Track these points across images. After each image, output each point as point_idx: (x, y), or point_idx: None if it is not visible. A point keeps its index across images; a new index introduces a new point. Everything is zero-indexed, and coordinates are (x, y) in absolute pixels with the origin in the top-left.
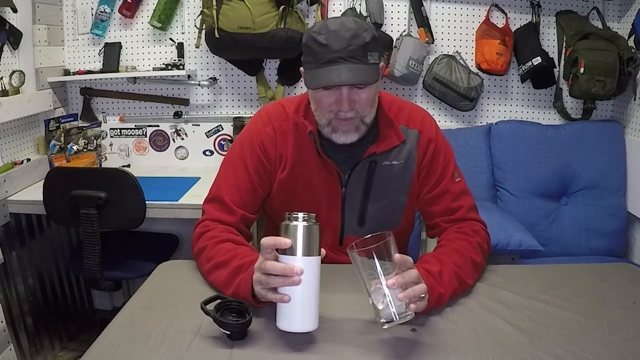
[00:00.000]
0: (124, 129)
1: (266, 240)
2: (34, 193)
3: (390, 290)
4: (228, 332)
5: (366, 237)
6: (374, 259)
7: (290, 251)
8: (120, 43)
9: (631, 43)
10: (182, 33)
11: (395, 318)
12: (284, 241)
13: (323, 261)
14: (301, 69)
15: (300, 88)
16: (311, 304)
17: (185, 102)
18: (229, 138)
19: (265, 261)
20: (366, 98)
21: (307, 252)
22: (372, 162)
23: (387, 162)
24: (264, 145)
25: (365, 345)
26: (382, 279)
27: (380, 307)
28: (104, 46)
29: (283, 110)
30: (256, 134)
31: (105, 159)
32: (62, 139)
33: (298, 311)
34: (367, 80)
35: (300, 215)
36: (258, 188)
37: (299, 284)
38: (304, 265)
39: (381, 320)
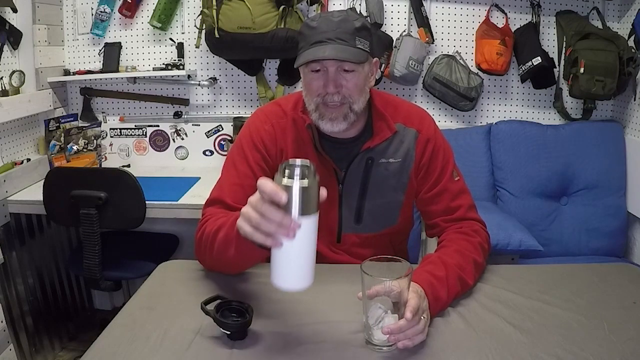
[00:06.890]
0: (124, 129)
1: (265, 186)
2: (34, 193)
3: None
4: (228, 332)
5: (383, 257)
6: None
7: (285, 208)
8: (120, 43)
9: (631, 43)
10: (182, 33)
11: (375, 344)
12: (279, 197)
13: (319, 261)
14: None
15: (301, 88)
16: (306, 262)
17: (185, 102)
18: (229, 138)
19: (261, 202)
20: (354, 84)
21: (304, 212)
22: (369, 159)
23: (384, 159)
24: (264, 142)
25: (364, 346)
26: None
27: (370, 322)
28: (104, 46)
29: (280, 108)
30: (255, 131)
31: (105, 159)
32: (62, 139)
33: (293, 269)
34: (350, 58)
35: (297, 170)
36: None
37: (293, 238)
38: (300, 224)
39: (366, 339)
